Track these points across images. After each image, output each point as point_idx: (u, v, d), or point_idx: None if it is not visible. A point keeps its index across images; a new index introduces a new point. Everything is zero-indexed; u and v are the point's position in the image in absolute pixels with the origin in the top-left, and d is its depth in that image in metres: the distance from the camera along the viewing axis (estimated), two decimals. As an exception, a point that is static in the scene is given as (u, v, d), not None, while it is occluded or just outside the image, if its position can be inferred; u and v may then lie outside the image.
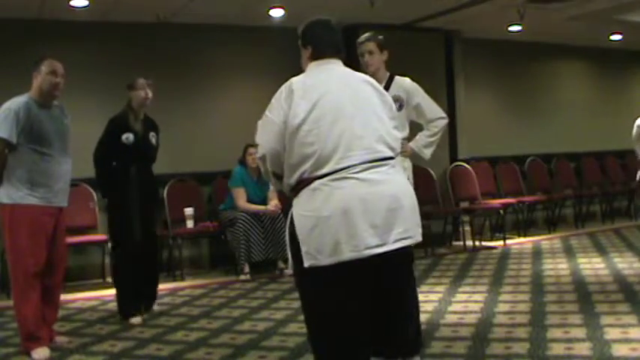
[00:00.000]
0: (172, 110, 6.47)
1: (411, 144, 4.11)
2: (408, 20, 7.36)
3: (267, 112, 2.61)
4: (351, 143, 2.48)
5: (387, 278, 2.56)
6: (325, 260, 2.42)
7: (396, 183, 2.54)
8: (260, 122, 2.65)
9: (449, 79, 8.06)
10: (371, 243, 2.41)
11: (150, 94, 4.73)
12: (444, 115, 4.18)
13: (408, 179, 3.99)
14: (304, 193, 2.50)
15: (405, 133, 4.06)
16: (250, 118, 7.97)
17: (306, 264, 2.46)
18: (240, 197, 6.30)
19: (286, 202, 6.61)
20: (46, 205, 3.93)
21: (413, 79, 4.19)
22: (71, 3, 5.84)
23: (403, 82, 4.11)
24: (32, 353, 3.84)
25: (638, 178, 5.01)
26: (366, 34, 4.08)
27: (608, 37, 8.96)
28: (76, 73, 6.06)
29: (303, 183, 2.51)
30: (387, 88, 4.02)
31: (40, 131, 3.90)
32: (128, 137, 4.65)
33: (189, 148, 6.77)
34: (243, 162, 6.42)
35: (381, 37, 4.09)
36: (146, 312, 4.80)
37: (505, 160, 8.60)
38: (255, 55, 7.20)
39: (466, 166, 8.02)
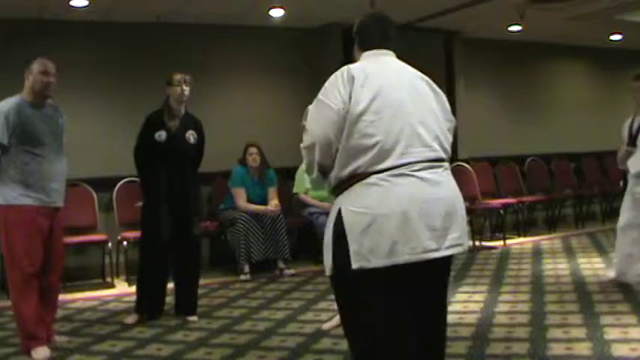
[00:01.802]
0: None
1: None
2: (408, 20, 7.35)
3: (321, 97, 2.40)
4: (411, 139, 2.33)
5: (434, 286, 2.43)
6: (379, 262, 2.23)
7: (451, 186, 2.44)
8: (312, 107, 2.45)
9: (449, 79, 8.05)
10: (429, 246, 2.26)
11: (187, 91, 4.58)
12: (452, 118, 4.18)
13: None
14: (357, 188, 2.31)
15: None
16: (250, 118, 8.06)
17: (354, 265, 2.25)
18: (240, 197, 6.30)
19: (286, 203, 6.65)
20: (40, 206, 3.91)
21: None
22: (71, 3, 5.83)
23: None
24: (32, 353, 3.83)
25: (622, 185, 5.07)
26: None
27: (608, 37, 8.95)
28: (75, 72, 6.11)
29: (357, 177, 2.32)
30: None
31: (32, 132, 3.89)
32: (160, 135, 4.53)
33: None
34: (243, 162, 6.41)
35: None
36: (177, 315, 4.67)
37: (505, 160, 8.60)
38: (255, 55, 7.20)
39: (466, 166, 8.01)
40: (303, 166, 2.56)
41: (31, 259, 3.87)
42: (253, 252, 6.14)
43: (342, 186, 2.36)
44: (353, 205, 2.30)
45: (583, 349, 3.52)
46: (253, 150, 6.37)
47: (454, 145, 7.99)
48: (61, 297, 4.45)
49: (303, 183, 6.42)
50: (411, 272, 2.27)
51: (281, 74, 7.26)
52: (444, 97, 2.58)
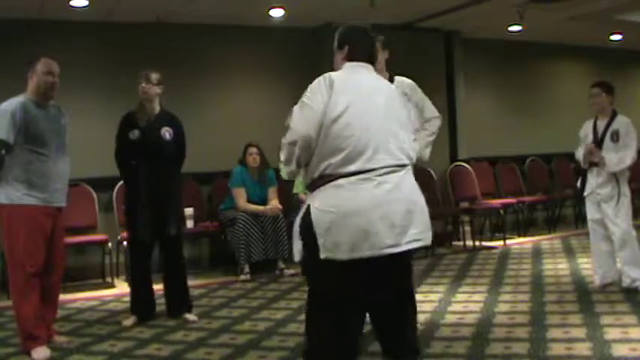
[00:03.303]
0: (172, 110, 6.44)
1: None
2: (408, 20, 7.36)
3: (304, 99, 2.67)
4: (377, 147, 2.61)
5: (396, 277, 2.73)
6: (343, 255, 2.55)
7: (412, 186, 2.71)
8: (296, 108, 2.69)
9: (449, 79, 8.06)
10: (388, 243, 2.56)
11: (149, 88, 4.53)
12: (439, 114, 4.22)
13: None
14: (327, 189, 2.61)
15: None
16: (250, 118, 8.05)
17: (322, 256, 2.57)
18: (240, 197, 6.30)
19: (286, 203, 6.65)
20: (44, 205, 3.92)
21: (413, 79, 4.21)
22: (71, 3, 5.84)
23: (404, 81, 4.15)
24: (32, 353, 3.84)
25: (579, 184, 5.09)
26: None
27: (608, 37, 8.96)
28: (76, 73, 6.10)
29: (326, 178, 2.61)
30: None
31: (37, 131, 3.89)
32: (134, 133, 4.52)
33: (189, 148, 6.71)
34: (243, 162, 6.41)
35: (382, 36, 4.11)
36: (173, 317, 4.66)
37: (505, 160, 8.60)
38: (255, 55, 7.20)
39: (466, 166, 8.02)
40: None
41: (33, 259, 3.88)
42: (253, 252, 6.14)
43: (315, 184, 2.65)
44: (321, 203, 2.60)
45: (583, 349, 3.52)
46: (253, 150, 6.37)
47: (454, 145, 8.08)
48: (61, 297, 4.44)
49: (302, 183, 6.41)
50: (375, 264, 2.58)
51: (281, 74, 7.25)
52: (412, 110, 3.00)
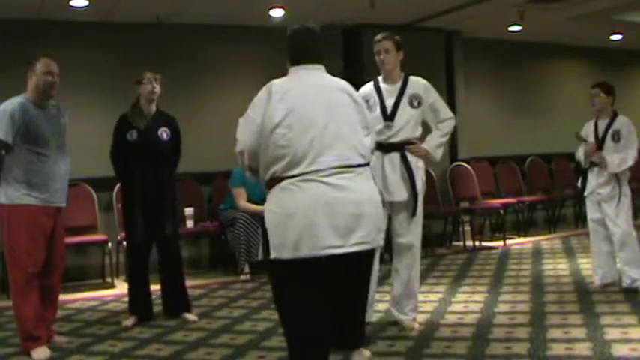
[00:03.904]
0: (172, 110, 6.39)
1: (425, 145, 4.12)
2: (408, 20, 7.35)
3: (248, 111, 2.82)
4: (320, 150, 2.64)
5: (345, 277, 2.80)
6: (286, 254, 2.63)
7: (361, 191, 2.71)
8: (241, 119, 2.84)
9: (449, 79, 8.06)
10: (330, 243, 2.60)
11: (157, 88, 4.58)
12: (453, 115, 4.21)
13: (421, 179, 4.08)
14: (275, 190, 2.70)
15: (418, 133, 4.12)
16: (250, 118, 7.93)
17: (271, 255, 2.69)
18: (241, 197, 6.29)
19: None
20: (44, 206, 3.92)
21: None
22: (71, 3, 5.84)
23: (418, 81, 4.17)
24: (32, 353, 3.84)
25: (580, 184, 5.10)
26: (383, 33, 4.11)
27: (608, 37, 8.96)
28: (76, 73, 6.10)
29: (274, 180, 2.70)
30: (403, 86, 4.08)
31: (36, 131, 3.89)
32: (132, 134, 4.52)
33: (189, 148, 6.70)
34: (243, 162, 6.41)
35: (397, 37, 4.13)
36: (173, 317, 4.66)
37: (505, 160, 8.60)
38: (255, 55, 7.19)
39: (466, 166, 8.02)
40: None
41: (34, 260, 3.88)
42: (253, 252, 6.13)
43: (268, 186, 2.76)
44: (270, 205, 2.71)
45: (583, 349, 3.52)
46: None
47: (454, 145, 8.08)
48: (61, 297, 4.45)
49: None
50: (321, 264, 2.63)
51: (281, 74, 7.21)
52: (364, 107, 2.93)
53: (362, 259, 2.80)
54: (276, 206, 2.67)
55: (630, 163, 4.81)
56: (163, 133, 4.62)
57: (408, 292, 4.11)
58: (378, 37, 4.09)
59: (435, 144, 4.13)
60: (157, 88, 4.60)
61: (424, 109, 4.11)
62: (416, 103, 4.06)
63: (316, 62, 2.85)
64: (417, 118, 4.07)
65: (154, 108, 4.66)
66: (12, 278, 3.94)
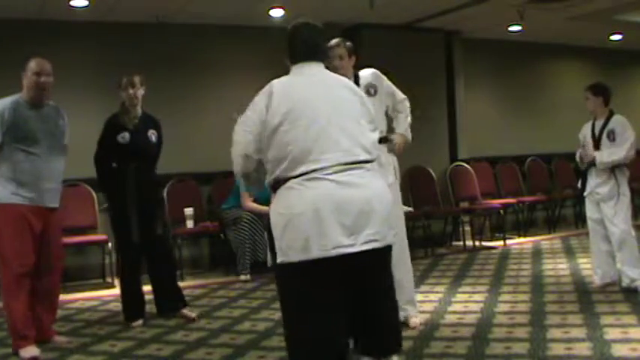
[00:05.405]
0: (172, 110, 6.47)
1: (399, 131, 4.20)
2: (408, 20, 7.36)
3: (247, 111, 2.74)
4: (325, 146, 2.55)
5: (359, 277, 2.60)
6: (295, 257, 2.49)
7: (370, 187, 2.59)
8: (240, 120, 2.76)
9: (449, 79, 8.06)
10: (340, 243, 2.48)
11: (138, 92, 4.58)
12: (405, 96, 4.30)
13: (395, 173, 4.10)
14: (280, 192, 2.60)
15: (384, 126, 4.13)
16: (250, 118, 7.91)
17: (278, 260, 2.55)
18: (246, 197, 6.28)
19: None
20: (32, 205, 3.89)
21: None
22: (71, 3, 5.84)
23: (367, 72, 4.22)
24: (20, 352, 3.82)
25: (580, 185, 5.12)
26: (336, 40, 4.14)
27: (608, 37, 8.96)
28: (75, 72, 6.11)
29: (279, 183, 2.60)
30: (356, 83, 4.09)
31: (27, 130, 3.88)
32: (124, 136, 4.52)
33: (189, 148, 6.77)
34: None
35: (349, 43, 4.17)
36: (172, 313, 4.69)
37: (505, 160, 8.60)
38: (255, 55, 7.18)
39: (466, 166, 8.01)
40: None
41: (22, 260, 3.86)
42: (259, 250, 6.11)
43: (273, 189, 2.65)
44: (276, 207, 2.60)
45: (583, 349, 3.52)
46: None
47: (454, 145, 8.08)
48: (61, 297, 4.45)
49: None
50: (332, 265, 2.48)
51: (281, 74, 7.20)
52: (369, 102, 2.82)
53: (374, 258, 2.61)
54: (283, 207, 2.55)
55: (622, 154, 4.78)
56: (152, 135, 4.68)
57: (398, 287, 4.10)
58: (332, 43, 4.09)
59: (405, 127, 4.23)
60: (139, 92, 4.60)
61: (382, 96, 4.16)
62: (372, 92, 4.12)
63: (319, 59, 2.80)
64: (377, 107, 4.06)
65: (139, 110, 4.68)
66: (2, 278, 3.92)
